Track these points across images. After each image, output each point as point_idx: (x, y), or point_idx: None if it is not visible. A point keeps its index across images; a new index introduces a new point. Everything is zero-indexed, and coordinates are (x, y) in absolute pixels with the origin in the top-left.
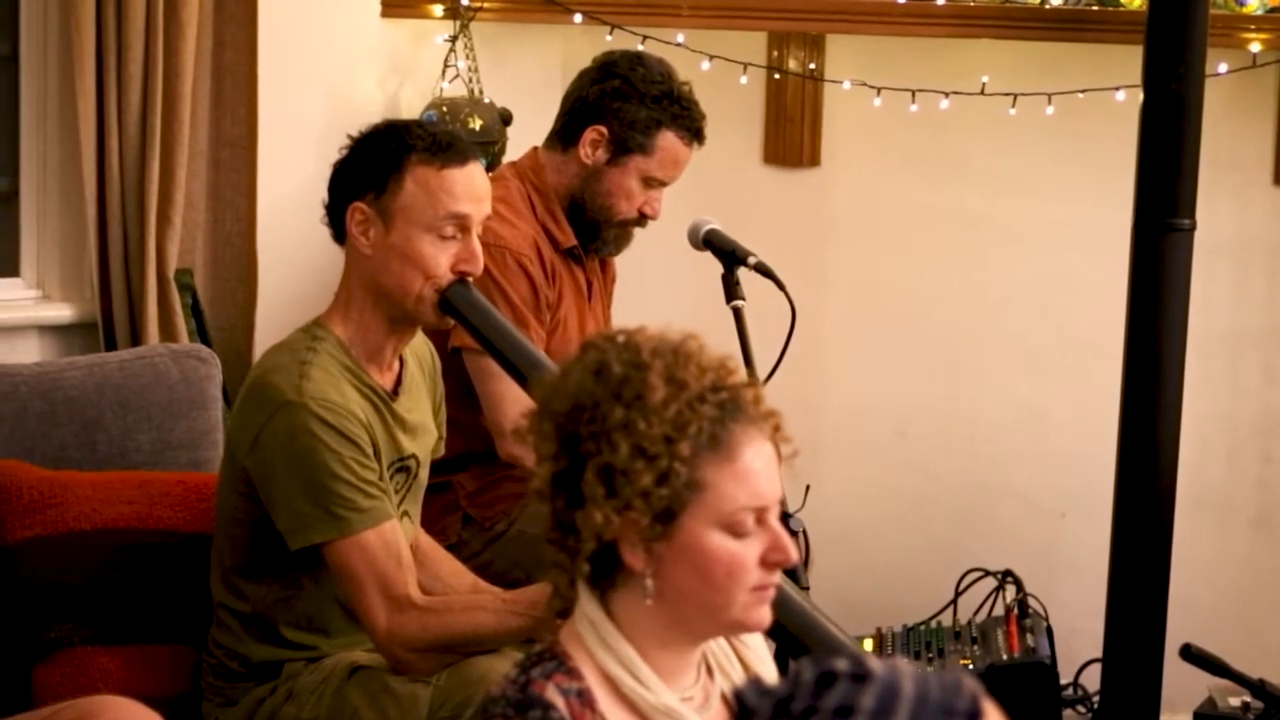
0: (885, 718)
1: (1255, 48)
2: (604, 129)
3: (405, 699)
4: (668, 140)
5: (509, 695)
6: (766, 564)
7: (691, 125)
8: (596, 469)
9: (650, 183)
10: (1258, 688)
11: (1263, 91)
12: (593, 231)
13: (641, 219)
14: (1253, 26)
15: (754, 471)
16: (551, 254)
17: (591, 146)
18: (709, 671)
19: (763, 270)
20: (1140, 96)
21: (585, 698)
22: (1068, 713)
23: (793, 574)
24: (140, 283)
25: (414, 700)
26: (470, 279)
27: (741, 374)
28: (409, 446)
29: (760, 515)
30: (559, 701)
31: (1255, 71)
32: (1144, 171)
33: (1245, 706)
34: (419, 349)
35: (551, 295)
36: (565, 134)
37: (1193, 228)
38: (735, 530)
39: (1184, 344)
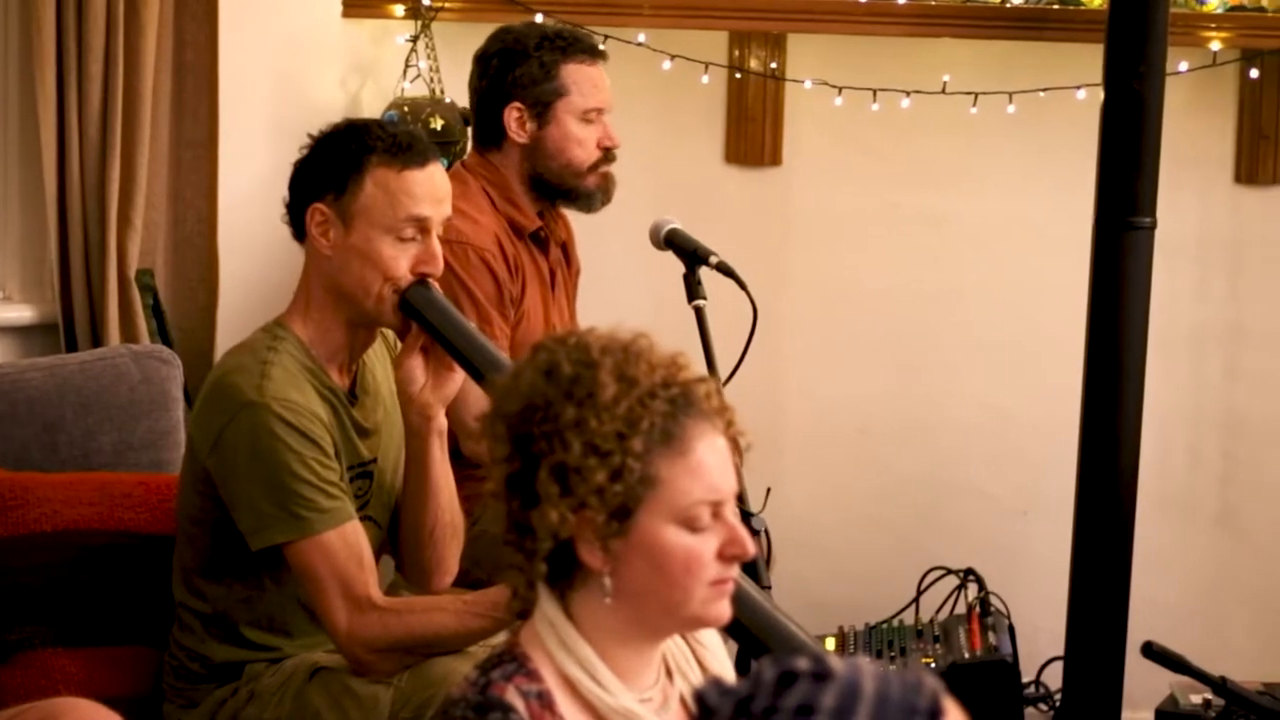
0: (846, 717)
1: (1215, 46)
2: (516, 103)
3: (366, 700)
4: (572, 71)
5: (469, 697)
6: (724, 558)
7: (583, 46)
8: (550, 468)
9: (588, 117)
10: (1219, 685)
11: (1223, 90)
12: (572, 194)
13: (606, 154)
14: (1213, 25)
15: (708, 465)
16: (514, 246)
17: (518, 124)
18: (668, 673)
19: (724, 270)
20: (1101, 95)
21: (545, 699)
22: (1030, 711)
23: (754, 573)
24: (101, 283)
25: (375, 701)
26: (431, 280)
27: (692, 370)
28: (367, 451)
29: (716, 509)
30: (519, 704)
31: (1216, 70)
32: (1105, 170)
33: (1207, 704)
34: (384, 354)
35: (515, 289)
36: (490, 132)
37: (1153, 226)
38: (691, 525)
39: (1145, 342)
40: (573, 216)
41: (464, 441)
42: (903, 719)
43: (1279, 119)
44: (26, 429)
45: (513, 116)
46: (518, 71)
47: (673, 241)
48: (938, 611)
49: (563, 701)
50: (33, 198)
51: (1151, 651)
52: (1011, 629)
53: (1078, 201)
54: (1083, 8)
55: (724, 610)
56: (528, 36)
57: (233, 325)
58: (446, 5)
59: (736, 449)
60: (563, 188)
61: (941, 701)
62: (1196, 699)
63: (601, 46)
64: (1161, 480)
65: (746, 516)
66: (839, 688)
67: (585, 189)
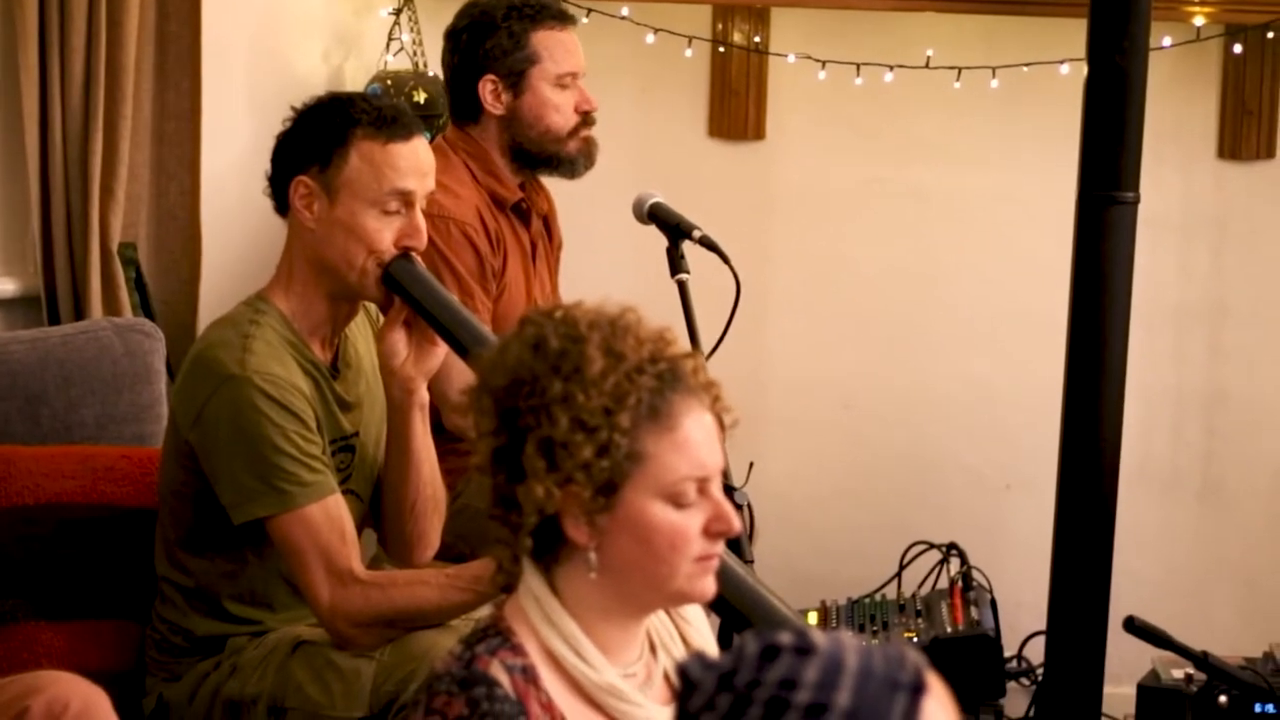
0: (829, 691)
1: (1199, 21)
2: (490, 75)
3: (348, 673)
4: (542, 38)
5: (454, 672)
6: (709, 534)
7: (551, 12)
8: (537, 443)
9: (563, 82)
10: (1200, 660)
11: (1207, 65)
12: (554, 160)
13: (585, 118)
14: (1196, 1)
15: (694, 441)
16: (496, 219)
17: (493, 96)
18: (652, 649)
19: (707, 244)
20: (1084, 70)
21: (529, 674)
22: (1012, 685)
23: (737, 548)
24: (84, 256)
25: (357, 675)
26: (414, 253)
27: (680, 345)
28: (349, 425)
29: (702, 485)
30: (504, 678)
31: (1199, 45)
32: (1088, 145)
33: (1189, 678)
34: (366, 328)
35: (497, 263)
36: (465, 107)
37: (1136, 201)
38: (677, 500)
39: (1127, 317)
40: (555, 190)
41: (446, 415)
42: (886, 693)
43: (1262, 94)
44: (8, 402)
45: (487, 89)
46: (488, 44)
47: (656, 215)
48: (920, 586)
49: (547, 676)
50: (15, 170)
51: (1133, 626)
52: (994, 603)
53: (1061, 176)
54: None
55: (708, 586)
56: (495, 8)
57: (215, 299)
58: None
59: (722, 425)
60: (544, 155)
61: (925, 675)
62: (1178, 674)
63: (573, 13)
64: (1144, 456)
65: (729, 491)
66: (822, 661)
67: (567, 154)
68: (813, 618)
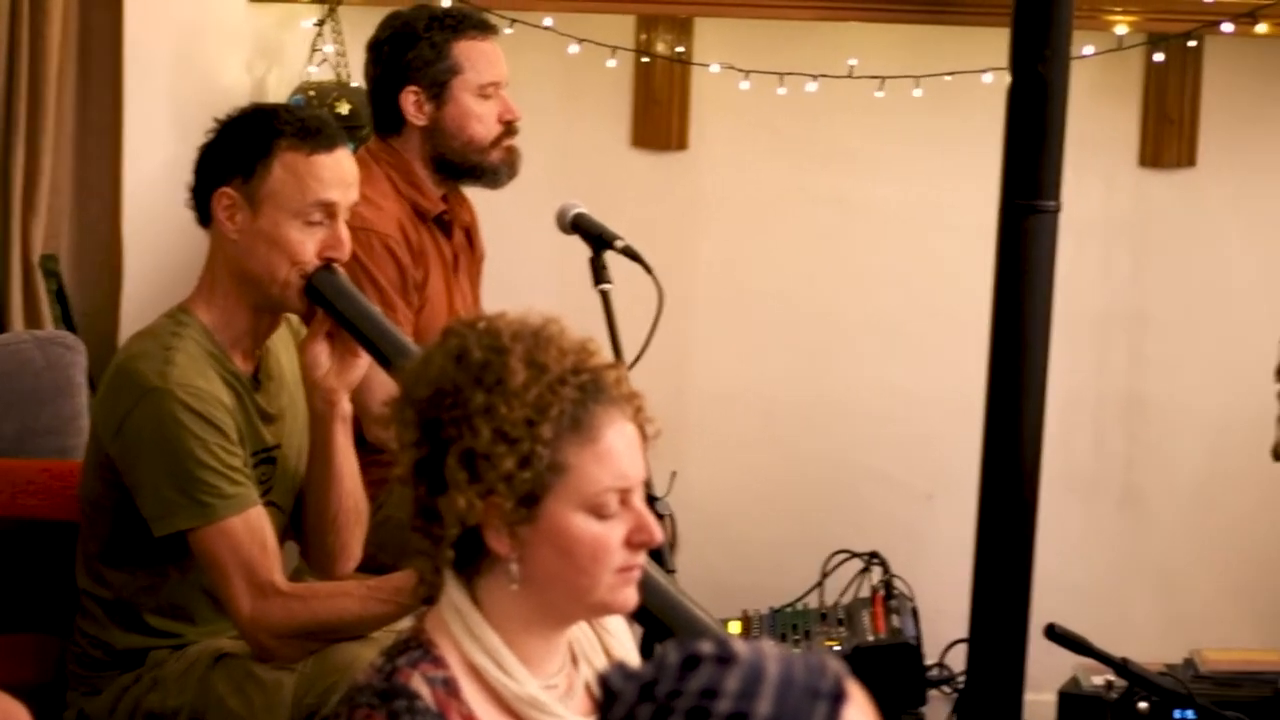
0: (750, 700)
1: (1121, 30)
2: (412, 86)
3: (270, 686)
4: (464, 48)
5: (374, 684)
6: (631, 545)
7: (473, 22)
8: (459, 454)
9: (485, 92)
10: (1120, 666)
11: (1128, 74)
12: (476, 171)
13: (508, 128)
14: (1118, 8)
15: (616, 452)
16: (418, 231)
17: (416, 107)
18: (574, 660)
19: (630, 254)
20: (1007, 79)
21: (451, 686)
22: (934, 693)
23: (659, 558)
24: (4, 269)
25: (279, 687)
26: (336, 265)
27: (602, 356)
28: (271, 437)
29: (624, 496)
30: (424, 691)
31: (1121, 54)
32: (1009, 153)
33: (1109, 685)
34: (288, 339)
35: (418, 275)
36: (389, 118)
37: (1057, 209)
38: (599, 511)
39: (1048, 325)
40: (478, 201)
41: (368, 427)
42: (806, 701)
43: (1184, 102)
44: None
45: (410, 100)
46: (410, 55)
47: (579, 226)
48: (842, 595)
49: (468, 688)
50: None
51: (1054, 634)
52: (915, 612)
53: (984, 185)
54: None
55: (630, 597)
56: (416, 19)
57: (137, 311)
58: None
59: (644, 435)
60: (466, 166)
61: (845, 684)
62: (1099, 680)
63: (496, 23)
64: (1066, 463)
65: (652, 501)
66: (743, 671)
67: (489, 165)
68: (735, 627)
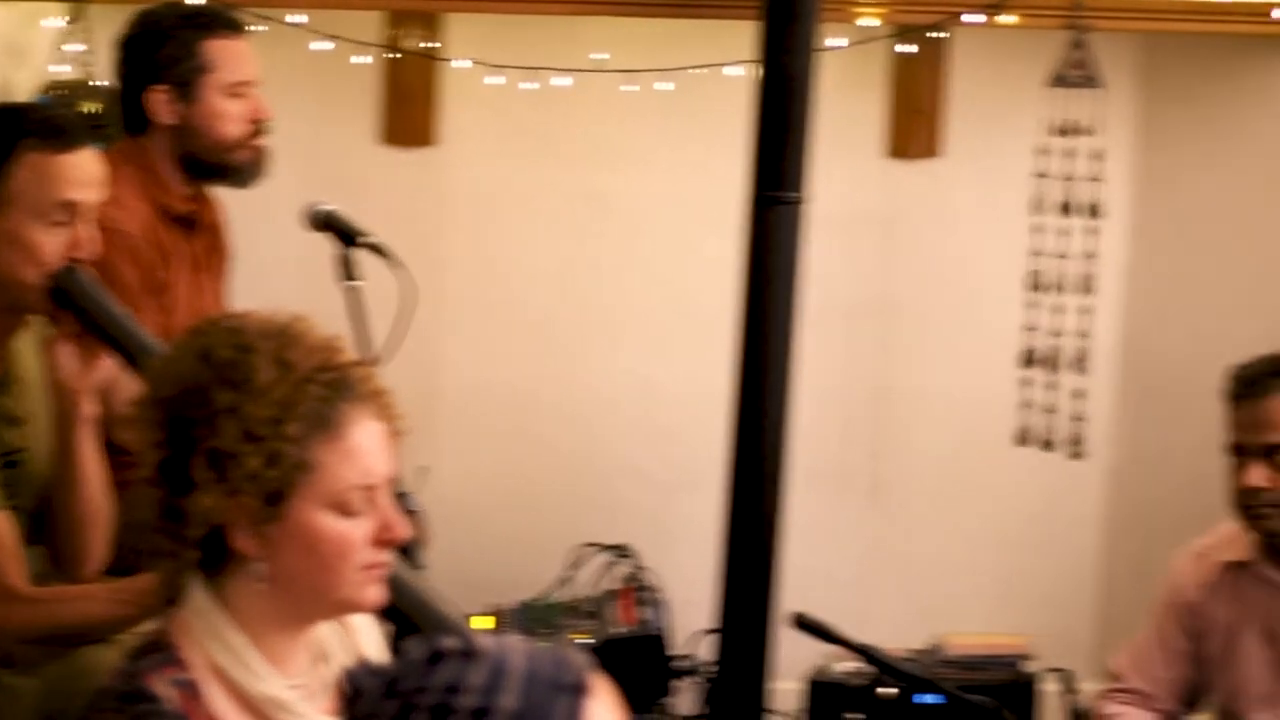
0: (494, 695)
1: (868, 21)
2: (161, 85)
3: (13, 691)
4: (214, 47)
5: (117, 688)
6: (377, 542)
7: (222, 20)
8: (205, 453)
9: (235, 91)
10: (866, 653)
11: (874, 65)
12: (225, 170)
13: (257, 126)
14: (864, 1)
15: (363, 450)
16: (164, 230)
17: (164, 106)
18: (322, 658)
19: (377, 250)
20: (755, 72)
21: (193, 689)
22: (683, 682)
23: (409, 554)
24: None
25: (22, 692)
26: (81, 265)
27: (349, 354)
28: (15, 441)
29: (370, 494)
30: (168, 693)
31: (867, 46)
32: (755, 146)
33: (857, 672)
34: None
35: (164, 275)
36: (137, 117)
37: (801, 200)
38: (344, 509)
39: (791, 316)
40: (226, 200)
41: (114, 429)
42: (550, 695)
43: (930, 93)
44: None
45: (158, 99)
46: (158, 53)
47: (327, 222)
48: (594, 588)
49: (212, 690)
50: None
51: (801, 622)
52: (663, 603)
53: (732, 178)
54: None
55: (376, 594)
56: (165, 17)
57: None
58: None
59: (393, 432)
60: (215, 165)
61: (587, 677)
62: (848, 668)
63: (247, 23)
64: (815, 454)
65: (401, 497)
66: (487, 666)
67: (238, 164)
68: (486, 621)
